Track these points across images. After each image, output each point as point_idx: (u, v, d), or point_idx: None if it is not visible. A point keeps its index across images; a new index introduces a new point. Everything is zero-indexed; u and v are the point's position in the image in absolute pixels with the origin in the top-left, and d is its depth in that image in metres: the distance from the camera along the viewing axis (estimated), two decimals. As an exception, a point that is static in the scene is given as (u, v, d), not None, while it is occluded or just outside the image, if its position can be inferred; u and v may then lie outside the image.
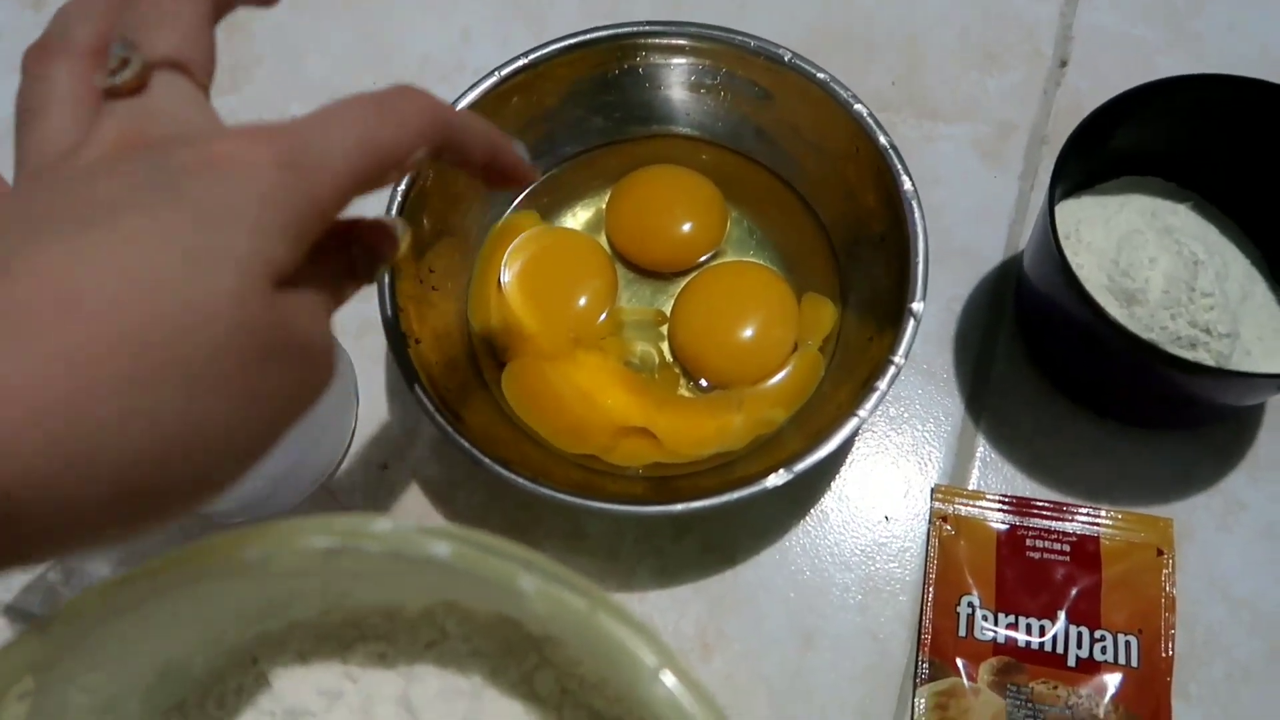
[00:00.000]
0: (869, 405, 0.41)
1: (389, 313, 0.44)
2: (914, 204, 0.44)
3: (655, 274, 0.51)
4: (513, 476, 0.41)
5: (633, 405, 0.47)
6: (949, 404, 0.49)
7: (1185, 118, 0.46)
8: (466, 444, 0.42)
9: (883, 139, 0.46)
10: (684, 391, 0.48)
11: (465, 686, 0.32)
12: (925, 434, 0.49)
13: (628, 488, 0.46)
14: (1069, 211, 0.48)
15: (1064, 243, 0.47)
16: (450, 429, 0.42)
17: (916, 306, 0.43)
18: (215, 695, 0.31)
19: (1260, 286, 0.47)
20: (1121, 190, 0.49)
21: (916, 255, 0.44)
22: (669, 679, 0.27)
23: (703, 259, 0.51)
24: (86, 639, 0.27)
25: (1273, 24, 0.58)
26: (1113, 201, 0.48)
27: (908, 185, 0.45)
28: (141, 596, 0.28)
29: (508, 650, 0.33)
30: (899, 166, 0.45)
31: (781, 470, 0.40)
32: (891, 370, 0.42)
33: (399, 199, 0.45)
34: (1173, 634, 0.43)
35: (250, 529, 0.28)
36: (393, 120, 0.24)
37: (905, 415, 0.49)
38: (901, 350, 0.42)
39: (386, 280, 0.44)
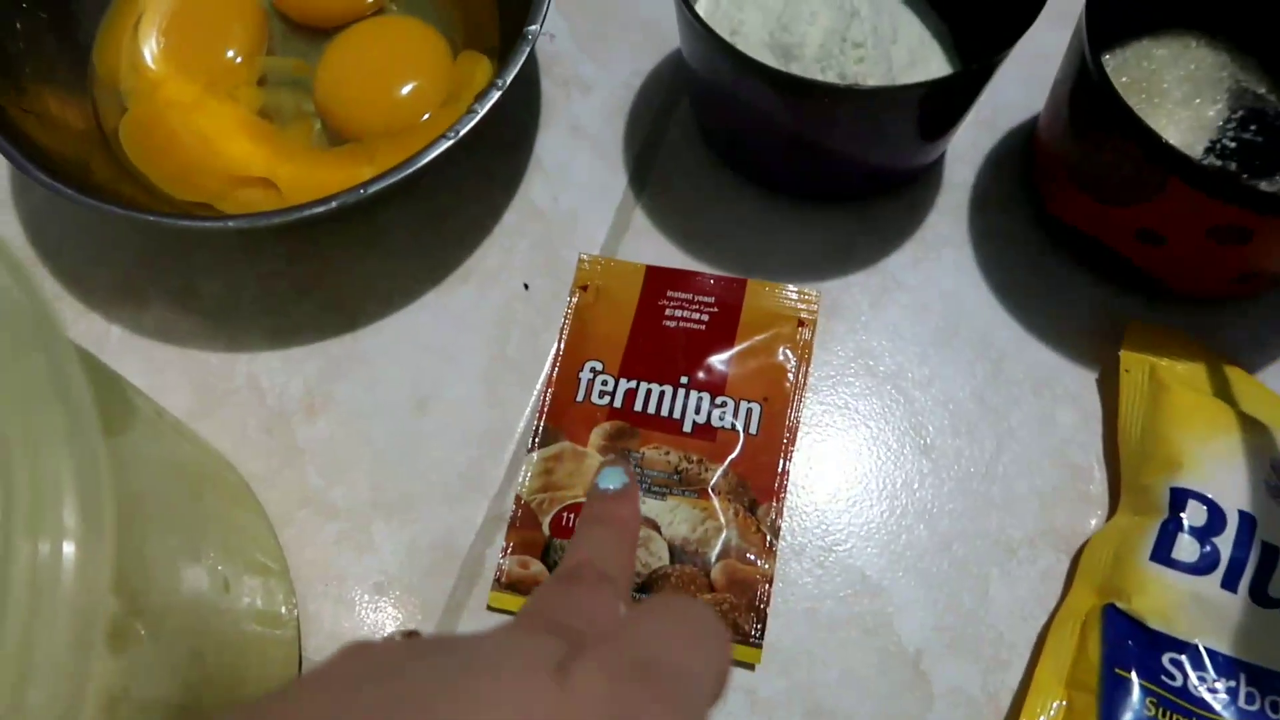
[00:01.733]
0: (464, 128, 0.37)
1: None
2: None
3: (314, 30, 0.47)
4: (75, 194, 0.37)
5: (256, 154, 0.43)
6: (611, 177, 0.46)
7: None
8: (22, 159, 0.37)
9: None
10: (319, 144, 0.44)
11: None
12: (581, 205, 0.45)
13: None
14: (742, -28, 0.45)
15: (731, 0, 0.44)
16: (19, 156, 0.38)
17: (532, 28, 0.39)
18: None
19: (936, 57, 0.44)
20: (805, -43, 0.46)
21: (546, -18, 0.40)
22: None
23: (366, 14, 0.47)
24: None
25: None
26: (792, -34, 0.45)
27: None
28: None
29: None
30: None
31: (360, 189, 0.37)
32: (494, 94, 0.38)
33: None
34: (799, 404, 0.40)
35: None
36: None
37: (562, 185, 0.46)
38: (510, 74, 0.38)
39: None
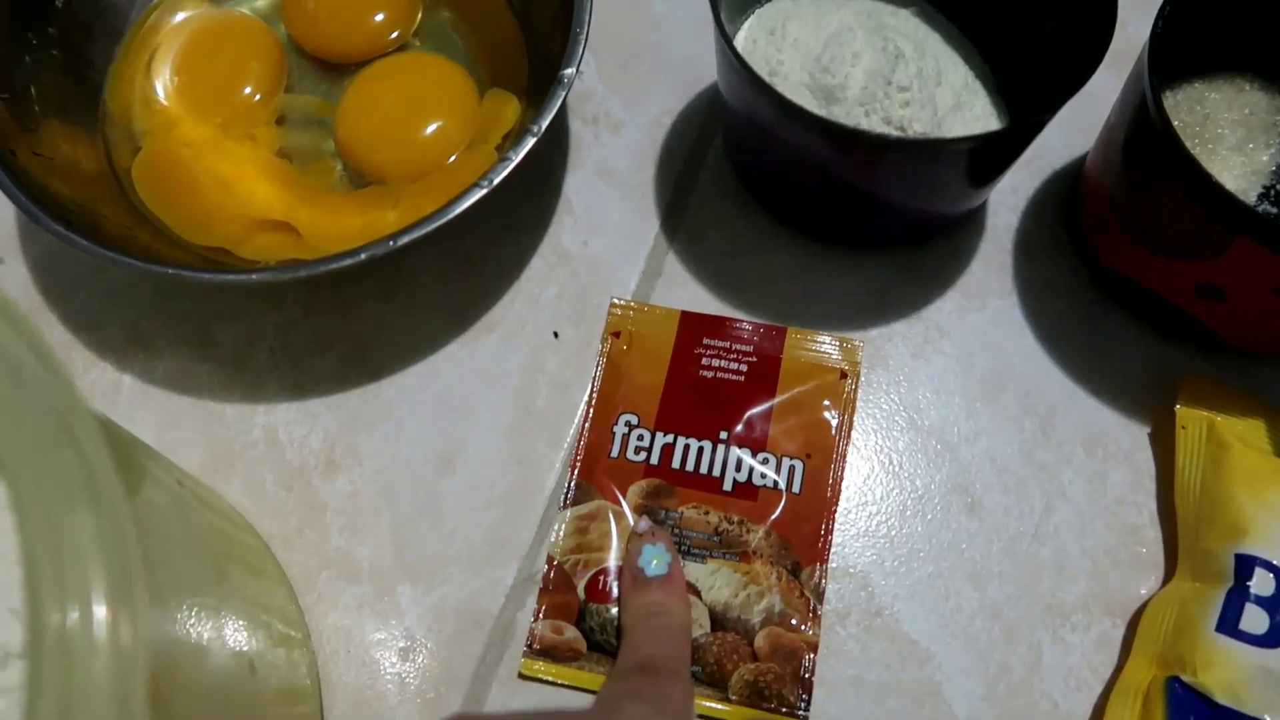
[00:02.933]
0: (497, 176, 0.36)
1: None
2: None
3: (335, 67, 0.45)
4: (89, 244, 0.35)
5: (275, 197, 0.42)
6: (642, 220, 0.44)
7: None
8: (37, 209, 0.36)
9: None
10: (340, 186, 0.43)
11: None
12: (612, 249, 0.44)
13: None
14: (778, 9, 0.43)
15: (769, 39, 0.42)
16: (28, 202, 0.36)
17: (568, 72, 0.37)
18: None
19: (980, 99, 0.42)
20: (845, -6, 0.44)
21: (581, 22, 0.38)
22: None
23: (388, 51, 0.45)
24: None
25: None
26: (830, 2, 0.44)
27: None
28: None
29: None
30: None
31: (389, 241, 0.35)
32: (529, 141, 0.37)
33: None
34: (843, 461, 0.39)
35: None
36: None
37: (591, 228, 0.44)
38: (545, 120, 0.37)
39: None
